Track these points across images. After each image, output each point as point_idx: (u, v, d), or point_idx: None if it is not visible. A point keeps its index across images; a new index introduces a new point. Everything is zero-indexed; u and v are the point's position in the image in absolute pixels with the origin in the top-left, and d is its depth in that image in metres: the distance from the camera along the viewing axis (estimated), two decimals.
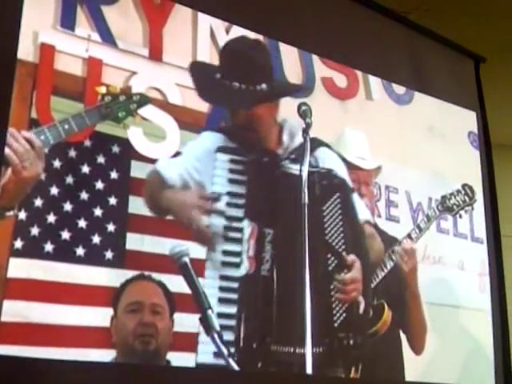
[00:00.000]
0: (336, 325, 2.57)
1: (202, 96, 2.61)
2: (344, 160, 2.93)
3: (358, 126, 3.05)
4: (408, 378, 2.94)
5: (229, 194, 2.56)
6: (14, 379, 1.99)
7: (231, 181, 2.57)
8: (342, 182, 2.76)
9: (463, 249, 3.36)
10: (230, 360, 2.35)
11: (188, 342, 2.39)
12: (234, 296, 2.48)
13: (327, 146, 2.86)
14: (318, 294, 2.45)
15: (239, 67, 2.70)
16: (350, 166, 2.94)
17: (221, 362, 2.29)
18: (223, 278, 2.49)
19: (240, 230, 2.53)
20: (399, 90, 3.33)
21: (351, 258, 2.64)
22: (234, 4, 2.80)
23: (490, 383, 3.27)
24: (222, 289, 2.47)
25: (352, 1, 3.27)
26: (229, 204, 2.55)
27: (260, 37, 2.86)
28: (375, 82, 3.24)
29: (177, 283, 2.36)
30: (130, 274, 2.31)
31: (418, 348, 2.99)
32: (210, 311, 2.37)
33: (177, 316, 2.37)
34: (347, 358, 2.65)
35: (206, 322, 2.38)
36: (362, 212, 2.88)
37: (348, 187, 2.78)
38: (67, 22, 2.37)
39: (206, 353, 2.38)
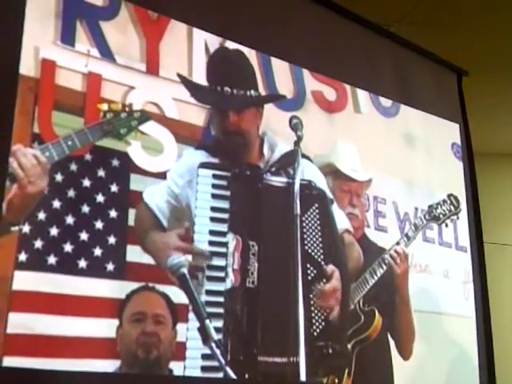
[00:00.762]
0: (315, 334, 2.58)
1: (196, 98, 2.67)
2: (337, 171, 3.01)
3: (347, 139, 3.12)
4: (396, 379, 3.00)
5: (212, 208, 2.57)
6: None
7: (214, 196, 2.59)
8: (320, 192, 2.78)
9: (448, 257, 3.44)
10: (228, 369, 2.40)
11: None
12: (220, 310, 2.50)
13: (308, 158, 2.91)
14: (296, 305, 2.46)
15: (227, 74, 2.76)
16: (343, 177, 3.03)
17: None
18: (209, 292, 2.51)
19: (224, 244, 2.55)
20: (386, 102, 3.41)
21: (330, 268, 2.65)
22: (227, 19, 2.85)
23: None
24: (208, 303, 2.46)
25: (338, 15, 3.33)
26: (212, 219, 2.56)
27: (252, 51, 2.90)
28: (363, 95, 3.31)
29: (180, 294, 2.40)
30: (130, 285, 2.35)
31: (405, 353, 3.06)
32: (207, 321, 2.42)
33: (179, 326, 2.42)
34: (326, 367, 2.67)
35: (204, 331, 2.42)
36: (341, 221, 2.91)
37: (327, 198, 2.81)
38: (67, 37, 2.40)
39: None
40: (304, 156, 2.82)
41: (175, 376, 2.38)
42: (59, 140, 2.26)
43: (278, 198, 2.65)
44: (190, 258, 2.48)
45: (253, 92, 2.76)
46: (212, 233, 2.55)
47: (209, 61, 2.77)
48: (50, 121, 2.29)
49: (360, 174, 3.08)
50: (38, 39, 2.32)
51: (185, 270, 2.40)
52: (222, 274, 2.52)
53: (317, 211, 2.69)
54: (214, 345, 2.39)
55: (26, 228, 2.17)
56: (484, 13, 3.96)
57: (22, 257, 2.14)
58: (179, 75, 2.66)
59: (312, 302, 2.59)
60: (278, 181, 2.69)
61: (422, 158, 3.49)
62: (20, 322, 2.09)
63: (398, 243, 3.15)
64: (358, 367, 2.84)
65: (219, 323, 2.46)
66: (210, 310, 2.40)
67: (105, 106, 2.41)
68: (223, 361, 2.38)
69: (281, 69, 3.00)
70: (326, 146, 3.04)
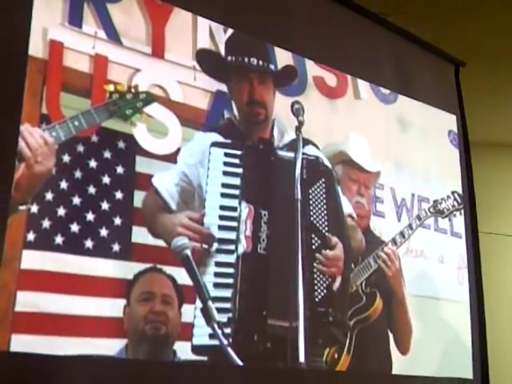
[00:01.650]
0: (317, 300, 2.65)
1: (212, 75, 2.73)
2: (350, 160, 3.09)
3: (348, 125, 3.16)
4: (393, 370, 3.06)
5: (223, 185, 2.63)
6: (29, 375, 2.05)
7: (225, 173, 2.65)
8: (327, 169, 2.87)
9: (443, 243, 3.49)
10: (229, 350, 2.44)
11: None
12: (230, 280, 2.55)
13: (315, 145, 2.96)
14: (298, 271, 2.51)
15: (249, 47, 2.88)
16: (354, 166, 3.11)
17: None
18: (218, 264, 2.56)
19: (234, 218, 2.60)
20: (385, 89, 3.44)
21: (334, 239, 2.74)
22: (231, 9, 2.87)
23: (467, 371, 3.41)
24: (216, 274, 2.54)
25: (338, 4, 3.35)
26: (223, 194, 2.62)
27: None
28: (363, 81, 3.33)
29: (185, 276, 2.43)
30: (136, 266, 2.37)
31: (404, 348, 3.12)
32: (210, 302, 2.46)
33: (184, 308, 2.46)
34: (327, 337, 2.74)
35: (206, 312, 2.46)
36: (345, 206, 2.98)
37: (333, 176, 2.88)
38: (75, 19, 2.41)
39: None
40: (309, 141, 2.87)
41: (178, 361, 2.41)
42: (66, 120, 2.28)
43: (289, 171, 2.68)
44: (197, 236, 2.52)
45: (272, 67, 2.86)
46: (222, 208, 2.61)
47: (229, 38, 2.84)
48: (58, 102, 2.31)
49: (370, 165, 3.14)
50: (46, 20, 2.33)
51: (188, 252, 2.44)
52: (231, 247, 2.56)
53: (323, 185, 2.76)
54: (216, 326, 2.43)
55: (35, 208, 2.19)
56: (480, 4, 3.97)
57: (31, 236, 2.16)
58: (201, 50, 2.73)
59: (315, 270, 2.66)
60: (289, 156, 2.74)
61: (419, 144, 3.53)
62: (28, 301, 2.11)
63: (401, 233, 3.20)
64: (357, 347, 2.89)
65: (228, 292, 2.53)
66: (219, 280, 2.51)
67: (111, 87, 2.43)
68: (225, 341, 2.42)
69: (283, 55, 3.02)
70: (327, 131, 3.07)
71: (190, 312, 2.45)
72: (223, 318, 2.42)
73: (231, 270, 2.54)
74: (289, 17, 3.11)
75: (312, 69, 3.13)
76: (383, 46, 3.59)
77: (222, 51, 2.83)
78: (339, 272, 2.74)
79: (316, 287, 2.65)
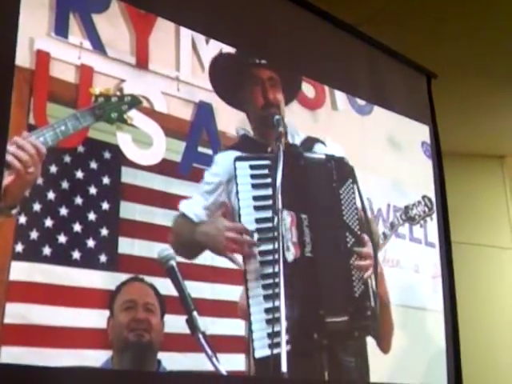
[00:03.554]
0: (356, 295, 2.79)
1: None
2: None
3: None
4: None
5: (254, 198, 2.71)
6: None
7: (254, 186, 2.71)
8: (352, 169, 2.96)
9: (418, 253, 3.54)
10: (214, 360, 2.47)
11: (177, 343, 2.46)
12: (277, 290, 2.54)
13: (322, 142, 3.07)
14: (341, 269, 2.76)
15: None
16: None
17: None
18: (264, 276, 2.62)
19: (270, 229, 2.63)
20: (361, 101, 3.49)
21: (366, 237, 2.88)
22: (211, 19, 2.89)
23: (442, 378, 3.47)
24: (264, 287, 2.62)
25: (313, 15, 3.39)
26: (256, 207, 2.69)
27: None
28: (340, 92, 3.38)
29: (167, 286, 2.45)
30: (122, 276, 2.37)
31: (385, 347, 3.15)
32: (195, 312, 2.49)
33: (167, 318, 2.45)
34: (362, 329, 2.85)
35: (191, 323, 2.49)
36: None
37: (355, 175, 2.96)
38: (61, 29, 2.41)
39: None
40: (319, 140, 3.03)
41: (165, 372, 2.41)
42: (53, 125, 2.27)
43: (319, 172, 2.85)
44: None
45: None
46: (258, 220, 2.67)
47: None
48: (44, 112, 2.30)
49: None
50: (33, 31, 2.33)
51: (173, 263, 2.49)
52: (272, 257, 2.56)
53: (351, 186, 2.88)
54: (201, 336, 2.48)
55: (23, 219, 2.18)
56: (451, 17, 4.05)
57: (19, 247, 2.15)
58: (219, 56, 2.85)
59: (352, 266, 2.80)
60: (317, 156, 2.92)
61: (394, 155, 3.58)
62: (16, 312, 2.10)
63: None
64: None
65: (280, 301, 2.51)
66: (267, 292, 2.59)
67: (96, 91, 2.43)
68: (210, 352, 2.45)
69: None
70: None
71: (173, 322, 2.46)
72: (277, 327, 2.43)
73: (276, 280, 2.53)
74: (266, 28, 3.14)
75: None
76: (358, 56, 3.64)
77: (204, 61, 2.83)
78: (371, 267, 2.86)
79: (354, 283, 2.79)
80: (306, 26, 3.35)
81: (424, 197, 3.60)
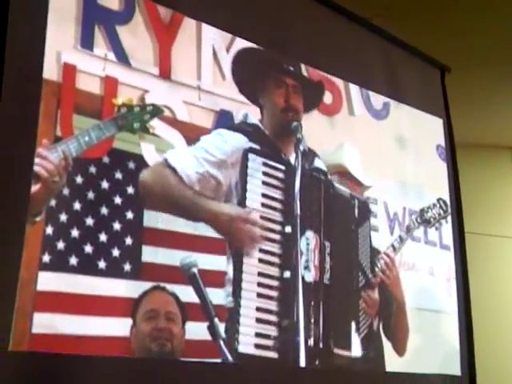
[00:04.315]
0: (360, 337, 2.92)
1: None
2: (347, 173, 3.17)
3: (344, 141, 3.22)
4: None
5: (263, 195, 2.76)
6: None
7: (265, 183, 2.78)
8: (371, 212, 3.10)
9: (433, 255, 3.58)
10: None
11: (198, 349, 2.51)
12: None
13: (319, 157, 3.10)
14: (351, 307, 2.87)
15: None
16: (351, 179, 3.17)
17: None
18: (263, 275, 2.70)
19: (274, 231, 2.72)
20: (377, 105, 3.52)
21: (375, 281, 3.00)
22: (232, 15, 2.95)
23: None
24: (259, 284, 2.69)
25: (329, 10, 3.42)
26: (263, 205, 2.75)
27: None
28: (356, 98, 3.42)
29: (188, 293, 2.50)
30: (146, 285, 2.42)
31: (400, 350, 3.22)
32: (216, 319, 2.54)
33: (188, 325, 2.50)
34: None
35: (213, 329, 2.54)
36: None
37: (372, 215, 3.08)
38: (86, 42, 2.44)
39: None
40: (314, 153, 3.02)
41: (189, 361, 2.48)
42: (76, 136, 2.33)
43: (344, 207, 2.96)
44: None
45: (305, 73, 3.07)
46: (263, 218, 2.70)
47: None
48: (71, 124, 2.34)
49: (365, 178, 3.23)
50: (60, 44, 2.36)
51: (195, 270, 2.53)
52: (278, 261, 2.68)
53: (368, 227, 3.00)
54: (221, 342, 2.53)
55: (49, 229, 2.22)
56: (463, 9, 4.09)
57: (46, 258, 2.19)
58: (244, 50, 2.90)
59: (360, 308, 2.91)
60: (344, 190, 3.00)
61: (409, 159, 3.62)
62: (44, 322, 2.14)
63: (392, 245, 3.28)
64: None
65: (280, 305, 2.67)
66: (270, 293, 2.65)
67: (119, 101, 2.47)
68: (230, 357, 2.52)
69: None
70: (326, 147, 3.15)
71: (194, 329, 2.50)
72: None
73: (280, 285, 2.66)
74: (285, 23, 3.18)
75: None
76: (373, 50, 3.67)
77: (225, 70, 2.87)
78: (377, 314, 3.00)
79: (360, 325, 2.89)
80: (322, 20, 3.38)
81: (439, 199, 3.65)
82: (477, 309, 3.76)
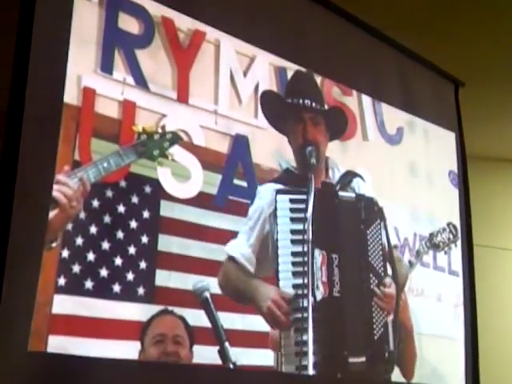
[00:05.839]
0: (375, 338, 2.89)
1: (273, 119, 2.93)
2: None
3: (357, 166, 3.24)
4: None
5: (292, 231, 2.80)
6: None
7: (293, 219, 2.82)
8: (381, 209, 3.07)
9: (441, 281, 3.60)
10: None
11: None
12: (306, 324, 2.69)
13: (360, 177, 3.17)
14: (363, 310, 2.89)
15: (305, 91, 3.08)
16: None
17: None
18: (296, 310, 2.73)
19: (305, 263, 2.73)
20: (391, 130, 3.54)
21: (389, 280, 2.98)
22: (252, 28, 3.00)
23: None
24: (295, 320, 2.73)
25: (345, 21, 3.46)
26: (293, 241, 2.79)
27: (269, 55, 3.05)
28: (371, 122, 3.43)
29: (196, 317, 2.52)
30: (158, 308, 2.44)
31: (408, 375, 3.25)
32: (227, 343, 2.56)
33: (195, 348, 2.52)
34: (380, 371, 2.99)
35: (223, 353, 2.57)
36: (392, 238, 3.18)
37: (384, 215, 3.06)
38: (106, 65, 2.46)
39: None
40: (357, 175, 3.11)
41: (198, 364, 2.51)
42: (95, 162, 2.35)
43: (350, 212, 2.97)
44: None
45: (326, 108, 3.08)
46: (294, 254, 2.76)
47: (289, 81, 3.05)
48: (89, 148, 2.36)
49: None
50: (81, 68, 2.38)
51: (207, 294, 2.55)
52: (305, 292, 2.69)
53: (378, 227, 2.99)
54: (232, 366, 2.55)
55: (65, 253, 2.24)
56: (477, 22, 4.07)
57: (61, 281, 2.21)
58: (266, 92, 2.94)
59: (374, 305, 2.92)
60: (349, 196, 3.01)
61: (422, 184, 3.63)
62: (59, 345, 2.16)
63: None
64: None
65: (308, 335, 2.66)
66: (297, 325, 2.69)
67: (139, 128, 2.49)
68: None
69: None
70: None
71: (203, 353, 2.53)
72: (304, 361, 2.63)
73: (306, 315, 2.67)
74: (300, 33, 3.22)
75: None
76: (388, 63, 3.70)
77: (241, 95, 2.90)
78: (392, 309, 2.99)
79: (374, 325, 2.90)
80: (337, 31, 3.41)
81: (449, 224, 3.67)
82: (484, 324, 3.80)
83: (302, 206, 2.79)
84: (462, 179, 3.93)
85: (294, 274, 2.74)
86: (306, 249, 2.72)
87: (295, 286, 2.73)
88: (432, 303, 3.50)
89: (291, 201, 2.83)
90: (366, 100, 3.47)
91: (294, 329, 2.69)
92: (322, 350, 2.70)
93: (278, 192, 2.83)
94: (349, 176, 3.08)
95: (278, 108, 2.97)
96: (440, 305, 3.55)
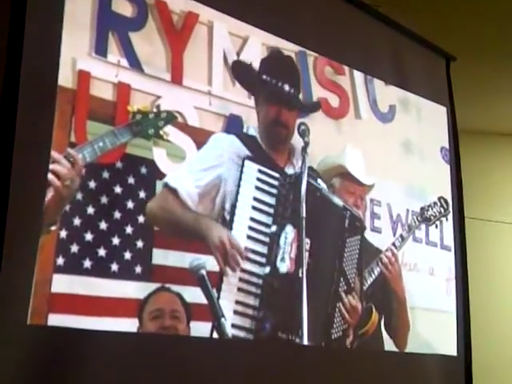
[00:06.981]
0: (333, 337, 3.00)
1: (245, 86, 2.92)
2: (347, 173, 3.24)
3: (350, 143, 3.28)
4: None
5: (255, 199, 2.84)
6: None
7: (257, 188, 2.85)
8: (363, 228, 3.19)
9: (433, 256, 3.66)
10: None
11: None
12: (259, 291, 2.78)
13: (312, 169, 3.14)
14: (327, 306, 2.94)
15: (282, 73, 3.07)
16: (352, 180, 3.25)
17: None
18: (246, 271, 2.77)
19: (264, 233, 2.82)
20: (383, 108, 3.58)
21: (356, 294, 3.07)
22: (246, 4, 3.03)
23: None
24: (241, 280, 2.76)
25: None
26: (254, 208, 2.83)
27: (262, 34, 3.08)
28: (363, 101, 3.48)
29: (193, 294, 2.58)
30: (155, 286, 2.49)
31: (401, 345, 3.34)
32: (223, 319, 2.62)
33: (193, 324, 2.58)
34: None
35: (220, 329, 2.63)
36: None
37: (364, 234, 3.19)
38: (101, 48, 2.49)
39: None
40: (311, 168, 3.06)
41: (196, 337, 2.58)
42: (91, 142, 2.38)
43: (334, 213, 3.06)
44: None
45: (301, 96, 3.09)
46: (253, 220, 2.80)
47: (265, 58, 3.04)
48: (85, 130, 2.40)
49: (366, 178, 3.29)
50: (75, 51, 2.41)
51: (204, 272, 2.60)
52: (262, 260, 2.78)
53: (357, 242, 3.06)
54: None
55: (63, 233, 2.29)
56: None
57: (60, 261, 2.26)
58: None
59: (337, 310, 2.98)
60: (337, 201, 3.09)
61: (414, 161, 3.68)
62: (58, 323, 2.21)
63: (393, 244, 3.36)
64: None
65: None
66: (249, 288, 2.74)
67: (134, 108, 2.53)
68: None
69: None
70: (333, 151, 3.23)
71: (199, 328, 2.59)
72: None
73: (261, 282, 2.76)
74: (292, 10, 3.23)
75: (317, 90, 3.25)
76: (379, 38, 3.72)
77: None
78: (354, 326, 3.06)
79: (334, 325, 2.97)
80: (329, 7, 3.43)
81: (440, 198, 3.72)
82: (476, 295, 3.89)
83: (272, 181, 2.87)
84: (454, 153, 3.97)
85: (249, 237, 2.78)
86: (270, 221, 2.81)
87: (249, 251, 2.78)
88: (425, 277, 3.56)
89: (260, 172, 2.85)
90: (359, 79, 3.51)
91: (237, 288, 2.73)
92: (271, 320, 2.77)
93: (248, 158, 2.84)
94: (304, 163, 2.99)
95: (251, 80, 2.97)
96: (432, 279, 3.61)
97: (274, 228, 2.82)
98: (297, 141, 3.02)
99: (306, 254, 2.82)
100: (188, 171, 2.72)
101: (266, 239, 2.80)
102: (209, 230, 2.67)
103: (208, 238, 2.65)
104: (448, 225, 3.74)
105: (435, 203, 3.65)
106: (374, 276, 3.23)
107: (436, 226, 3.63)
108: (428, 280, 3.59)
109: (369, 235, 3.29)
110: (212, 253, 2.65)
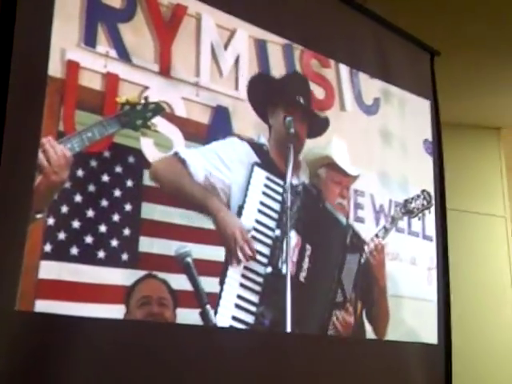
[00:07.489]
0: None
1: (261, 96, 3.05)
2: (333, 164, 3.30)
3: (335, 135, 3.34)
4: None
5: (261, 203, 2.96)
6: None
7: (264, 194, 2.98)
8: (363, 248, 3.35)
9: (415, 246, 3.72)
10: None
11: None
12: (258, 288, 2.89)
13: None
14: (323, 314, 3.10)
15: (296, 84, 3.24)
16: (337, 170, 3.31)
17: None
18: (248, 269, 2.88)
19: (267, 236, 2.93)
20: (368, 101, 3.64)
21: (351, 308, 3.17)
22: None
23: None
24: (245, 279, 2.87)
25: None
26: (260, 211, 2.95)
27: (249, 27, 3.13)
28: (348, 94, 3.53)
29: (178, 281, 2.63)
30: (142, 273, 2.54)
31: (381, 333, 3.41)
32: (208, 306, 2.69)
33: (178, 311, 2.63)
34: None
35: (205, 315, 2.69)
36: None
37: (364, 254, 3.33)
38: (89, 39, 2.54)
39: None
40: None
41: (183, 324, 2.63)
42: (80, 132, 2.43)
43: (337, 228, 3.22)
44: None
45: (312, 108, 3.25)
46: (258, 222, 2.90)
47: (285, 76, 3.22)
48: (73, 120, 2.44)
49: (352, 169, 3.35)
50: (64, 41, 2.45)
51: (189, 260, 2.66)
52: (264, 260, 2.88)
53: (356, 260, 3.25)
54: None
55: (51, 221, 2.33)
56: None
57: (47, 248, 2.31)
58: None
59: (331, 325, 3.12)
60: (337, 215, 3.23)
61: (397, 153, 3.74)
62: (45, 309, 2.26)
63: (376, 235, 3.42)
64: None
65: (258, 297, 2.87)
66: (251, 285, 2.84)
67: (122, 99, 2.58)
68: None
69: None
70: (319, 142, 3.29)
71: (185, 315, 2.64)
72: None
73: (262, 280, 2.86)
74: (277, 3, 3.30)
75: None
76: (364, 32, 3.78)
77: (222, 67, 2.99)
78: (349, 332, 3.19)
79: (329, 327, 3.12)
80: (316, 2, 3.49)
81: (423, 191, 3.78)
82: (458, 285, 3.98)
83: (278, 188, 2.99)
84: (437, 146, 4.03)
85: (253, 238, 2.88)
86: (274, 225, 2.92)
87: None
88: (407, 267, 3.63)
89: (268, 179, 2.98)
90: (344, 72, 3.56)
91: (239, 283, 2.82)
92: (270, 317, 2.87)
93: (256, 164, 2.97)
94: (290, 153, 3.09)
95: (267, 91, 3.09)
96: (414, 268, 3.68)
97: (277, 232, 2.92)
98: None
99: (306, 260, 2.95)
100: (200, 154, 2.81)
101: (270, 242, 2.91)
102: (220, 214, 2.78)
103: (220, 224, 2.77)
104: (430, 216, 3.80)
105: (418, 196, 3.71)
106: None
107: (419, 219, 3.69)
108: (410, 269, 3.65)
109: (352, 224, 3.35)
110: (217, 240, 2.78)
